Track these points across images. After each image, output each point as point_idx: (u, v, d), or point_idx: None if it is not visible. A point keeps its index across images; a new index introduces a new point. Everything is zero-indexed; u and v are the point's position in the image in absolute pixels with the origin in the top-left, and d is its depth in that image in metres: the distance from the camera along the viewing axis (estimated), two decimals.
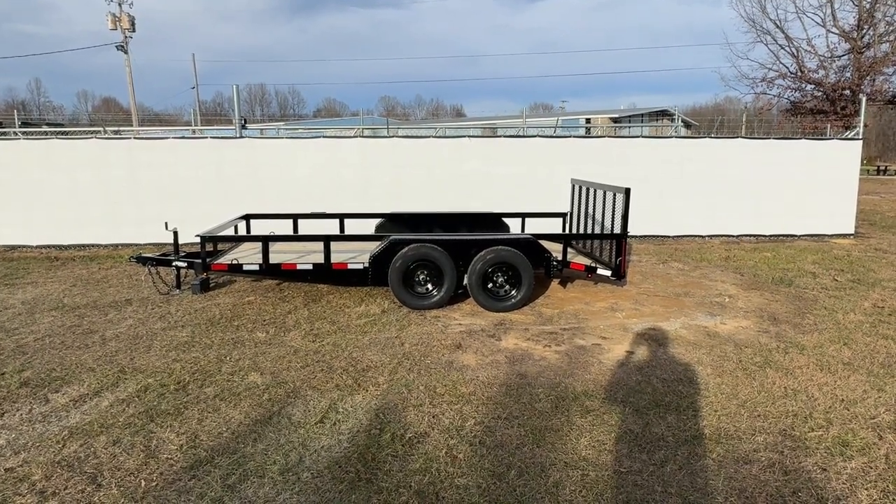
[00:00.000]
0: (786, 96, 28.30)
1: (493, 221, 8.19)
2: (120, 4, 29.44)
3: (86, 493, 3.14)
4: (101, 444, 3.62)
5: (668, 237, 11.52)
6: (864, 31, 26.12)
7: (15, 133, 10.77)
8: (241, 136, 10.74)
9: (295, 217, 8.55)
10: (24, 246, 10.51)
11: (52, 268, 8.91)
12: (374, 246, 6.78)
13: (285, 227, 8.59)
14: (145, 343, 5.45)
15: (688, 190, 11.44)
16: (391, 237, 6.56)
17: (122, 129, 11.94)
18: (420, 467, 3.37)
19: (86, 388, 4.45)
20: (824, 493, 3.15)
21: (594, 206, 7.50)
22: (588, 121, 32.08)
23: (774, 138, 11.82)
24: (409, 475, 3.29)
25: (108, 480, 3.25)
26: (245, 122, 11.09)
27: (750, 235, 11.74)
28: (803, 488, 3.19)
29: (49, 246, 10.51)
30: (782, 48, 27.71)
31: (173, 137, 10.79)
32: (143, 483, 3.22)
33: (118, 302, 6.89)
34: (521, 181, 10.99)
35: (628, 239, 6.82)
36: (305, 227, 8.66)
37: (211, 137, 10.79)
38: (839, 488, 3.19)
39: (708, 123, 15.43)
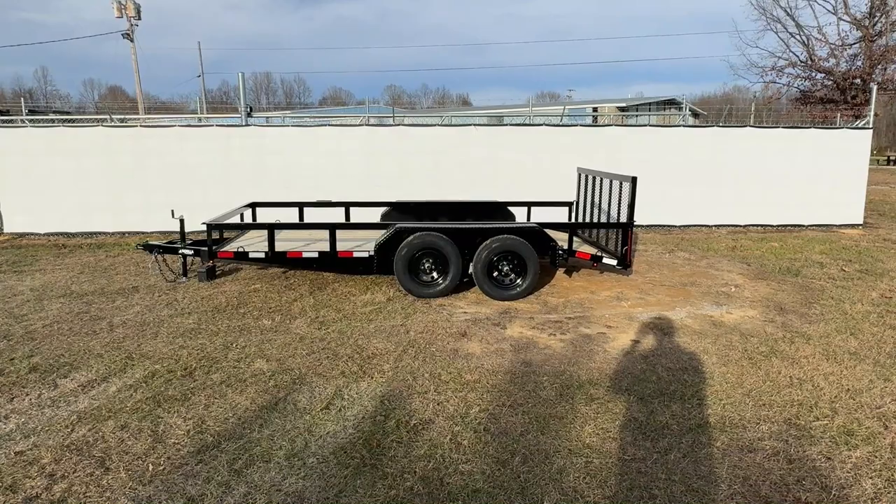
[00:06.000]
0: (795, 85, 27.95)
1: (499, 210, 8.17)
2: None
3: (94, 476, 3.18)
4: (109, 428, 3.66)
5: (675, 227, 11.46)
6: (876, 18, 25.71)
7: (22, 121, 10.79)
8: (247, 125, 10.73)
9: (300, 205, 8.56)
10: (31, 234, 10.58)
11: (60, 255, 8.97)
12: (379, 234, 6.78)
13: (291, 216, 8.60)
14: (152, 330, 5.49)
15: (695, 179, 11.36)
16: (397, 225, 6.55)
17: (128, 117, 11.93)
18: (425, 453, 3.39)
19: (94, 373, 4.50)
20: (828, 481, 3.15)
21: (600, 195, 7.47)
22: (595, 110, 31.84)
23: (783, 127, 11.70)
24: (414, 461, 3.31)
25: (116, 464, 3.28)
26: (251, 110, 11.07)
27: (757, 225, 11.67)
28: (807, 477, 3.19)
29: (56, 234, 10.58)
30: (792, 36, 27.33)
31: (179, 125, 10.79)
32: (150, 467, 3.26)
33: (125, 289, 6.93)
34: (527, 170, 10.95)
35: (634, 228, 6.79)
36: (311, 215, 8.68)
37: (217, 125, 10.79)
38: (843, 477, 3.19)
39: (716, 113, 15.28)
